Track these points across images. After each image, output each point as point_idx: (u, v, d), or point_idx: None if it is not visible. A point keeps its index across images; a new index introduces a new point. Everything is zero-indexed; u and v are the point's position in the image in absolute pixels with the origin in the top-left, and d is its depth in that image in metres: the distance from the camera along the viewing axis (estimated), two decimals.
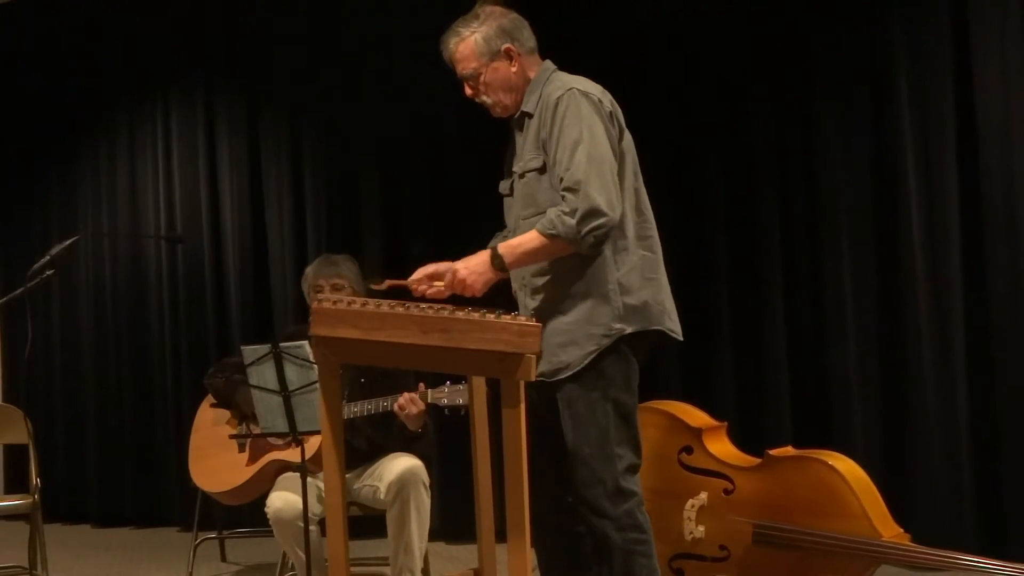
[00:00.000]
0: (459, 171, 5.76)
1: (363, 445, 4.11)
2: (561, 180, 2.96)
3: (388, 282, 3.18)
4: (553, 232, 2.93)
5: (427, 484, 3.93)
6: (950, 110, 4.76)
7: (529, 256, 3.00)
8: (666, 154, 5.27)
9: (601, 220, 2.91)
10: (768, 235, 5.26)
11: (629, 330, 3.01)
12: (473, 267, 3.00)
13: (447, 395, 3.83)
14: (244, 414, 4.26)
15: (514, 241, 3.02)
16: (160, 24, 6.66)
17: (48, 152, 7.17)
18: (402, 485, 3.87)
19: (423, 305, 2.80)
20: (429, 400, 3.87)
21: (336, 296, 2.93)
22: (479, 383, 3.25)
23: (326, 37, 6.23)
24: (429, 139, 5.91)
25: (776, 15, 5.24)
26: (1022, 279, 4.59)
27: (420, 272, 3.10)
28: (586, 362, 3.01)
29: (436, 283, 3.08)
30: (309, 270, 4.36)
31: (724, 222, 5.39)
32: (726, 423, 4.05)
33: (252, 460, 4.24)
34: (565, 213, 2.93)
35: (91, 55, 6.92)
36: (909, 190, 4.85)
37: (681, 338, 3.16)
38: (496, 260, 3.00)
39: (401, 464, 3.93)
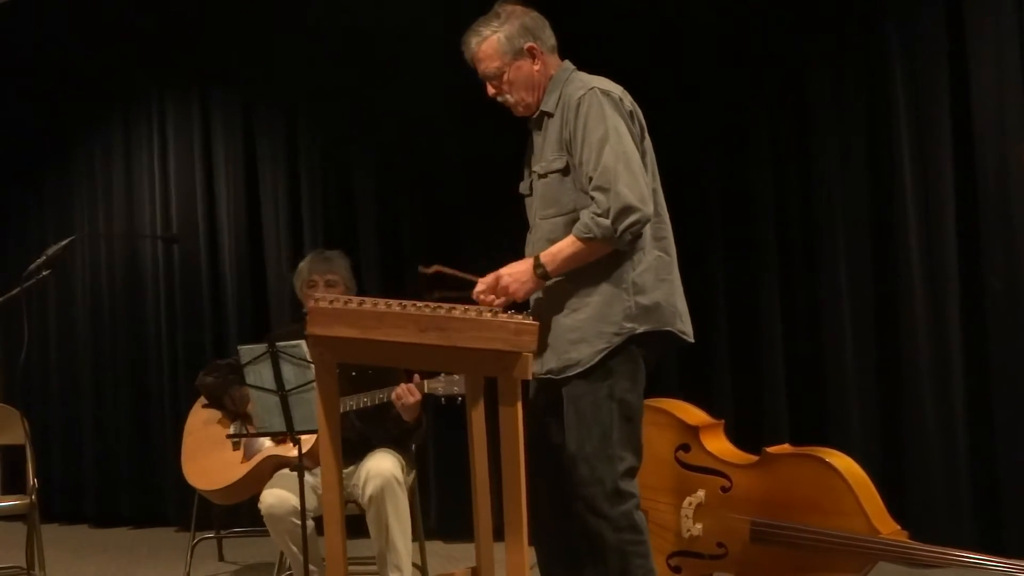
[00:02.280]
0: (455, 170, 5.76)
1: (355, 438, 4.11)
2: (590, 180, 2.97)
3: (436, 267, 3.21)
4: (589, 236, 2.95)
5: (401, 481, 3.94)
6: (945, 106, 4.77)
7: (569, 261, 3.00)
8: (662, 154, 5.26)
9: (635, 216, 2.93)
10: (764, 232, 5.26)
11: (640, 329, 3.02)
12: (517, 275, 3.02)
13: (443, 384, 3.85)
14: (236, 414, 4.27)
15: (554, 248, 3.02)
16: (155, 23, 6.65)
17: (44, 152, 7.15)
18: (376, 488, 3.88)
19: (420, 304, 2.80)
20: (425, 390, 3.89)
21: (333, 295, 2.92)
22: (476, 381, 3.25)
23: (322, 36, 6.22)
24: (425, 138, 5.90)
25: (771, 13, 5.24)
26: (1018, 275, 4.59)
27: (482, 283, 3.08)
28: (596, 360, 3.01)
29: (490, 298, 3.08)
30: (303, 265, 4.35)
31: (720, 220, 5.39)
32: (723, 421, 4.05)
33: (247, 457, 4.24)
34: (598, 215, 2.93)
35: (86, 54, 6.90)
36: (905, 188, 4.85)
37: (692, 340, 3.16)
38: (539, 269, 3.01)
39: (374, 466, 3.94)
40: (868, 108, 5.01)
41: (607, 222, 2.92)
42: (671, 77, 5.41)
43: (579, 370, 3.02)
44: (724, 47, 5.35)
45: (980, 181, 4.68)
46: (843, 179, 5.05)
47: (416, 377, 3.91)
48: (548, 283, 3.08)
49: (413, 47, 5.84)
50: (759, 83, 5.30)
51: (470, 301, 3.11)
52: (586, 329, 3.02)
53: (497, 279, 3.03)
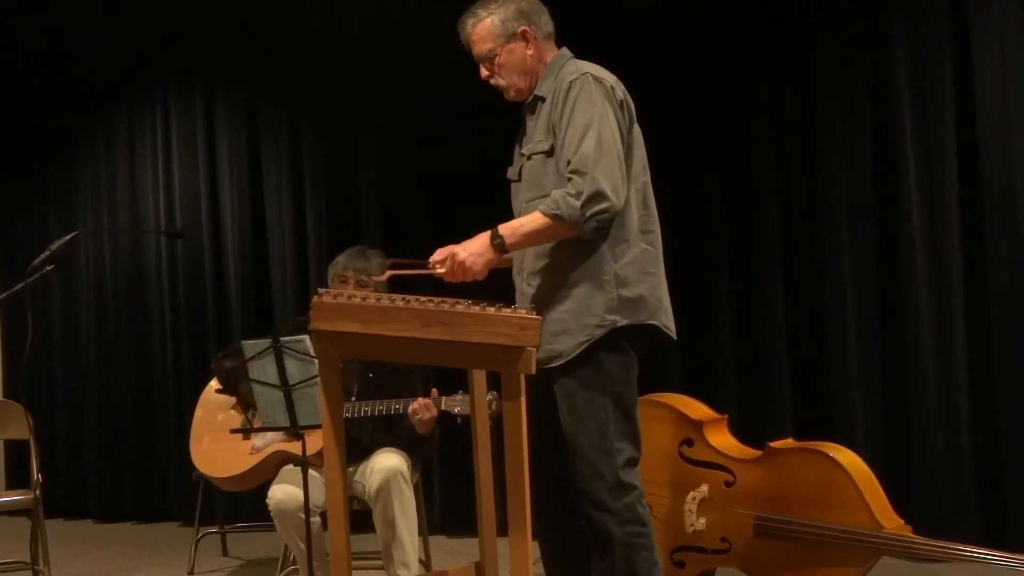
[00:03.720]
0: (458, 166, 5.76)
1: (366, 440, 4.12)
2: (568, 163, 2.95)
3: (389, 272, 3.22)
4: (557, 212, 2.92)
5: (407, 478, 3.95)
6: (950, 102, 4.76)
7: (530, 237, 2.98)
8: (666, 148, 5.26)
9: (604, 204, 2.91)
10: (768, 226, 5.26)
11: (622, 322, 3.00)
12: (472, 249, 2.98)
13: (460, 403, 3.84)
14: (249, 403, 4.25)
15: (515, 222, 3.00)
16: (159, 20, 6.66)
17: (48, 148, 7.16)
18: (383, 484, 3.88)
19: (423, 299, 2.79)
20: (442, 407, 3.88)
21: (337, 290, 2.92)
22: (479, 376, 3.25)
23: (325, 33, 6.22)
24: (428, 134, 5.91)
25: (776, 10, 5.24)
26: (1022, 270, 4.59)
27: (438, 254, 3.10)
28: (578, 352, 3.00)
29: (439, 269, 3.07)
30: (341, 258, 4.28)
31: (724, 213, 5.39)
32: (727, 415, 4.05)
33: (256, 449, 4.24)
34: (570, 195, 2.91)
35: (90, 51, 6.91)
36: (909, 182, 4.85)
37: (674, 336, 3.15)
38: (496, 240, 2.97)
39: (382, 463, 3.94)
40: (872, 104, 5.01)
41: (577, 204, 2.90)
42: (674, 71, 5.42)
43: (561, 362, 3.02)
44: (728, 41, 5.35)
45: (984, 176, 4.68)
46: (847, 174, 5.05)
47: (434, 392, 3.92)
48: (534, 279, 3.07)
49: (416, 44, 5.84)
50: (763, 79, 5.30)
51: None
52: (568, 321, 3.01)
53: (453, 256, 2.97)
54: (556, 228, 2.94)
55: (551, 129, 3.05)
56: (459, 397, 3.86)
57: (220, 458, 4.30)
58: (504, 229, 2.98)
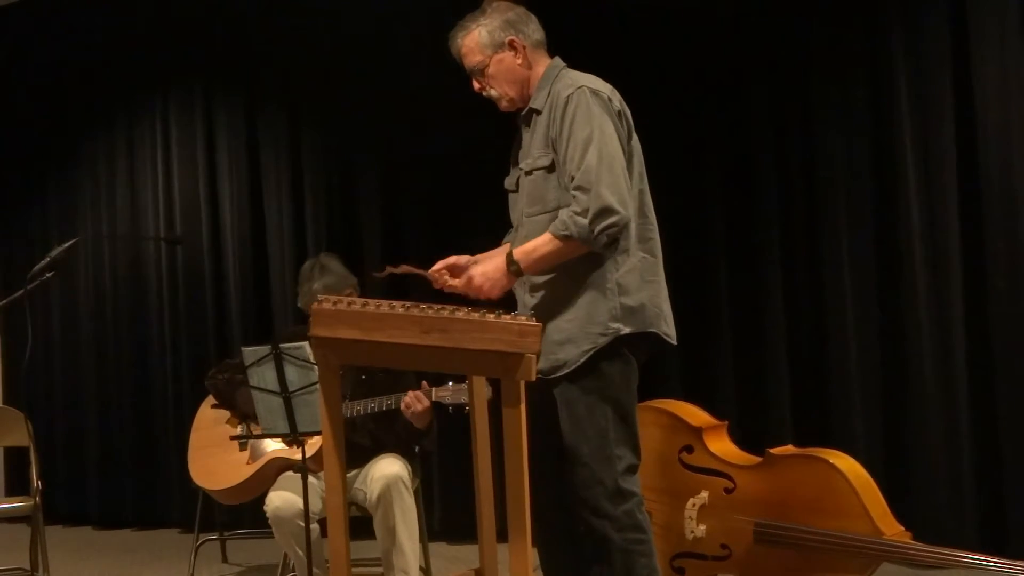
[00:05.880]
0: (458, 171, 5.77)
1: (366, 442, 4.12)
2: (572, 179, 2.97)
3: (389, 268, 3.21)
4: (567, 233, 2.94)
5: (408, 485, 3.95)
6: (949, 109, 4.76)
7: (544, 260, 3.00)
8: (665, 153, 5.26)
9: (613, 219, 2.92)
10: (768, 232, 5.25)
11: (626, 330, 3.01)
12: (489, 273, 3.02)
13: (451, 393, 3.85)
14: (245, 414, 4.26)
15: (528, 246, 3.01)
16: (159, 25, 6.67)
17: (47, 154, 7.17)
18: (384, 491, 3.89)
19: (423, 305, 2.80)
20: (433, 398, 3.89)
21: (336, 297, 2.92)
22: (479, 382, 3.26)
23: (325, 37, 6.23)
24: (428, 139, 5.91)
25: (774, 15, 5.24)
26: (1021, 276, 4.59)
27: (441, 264, 3.12)
28: (583, 360, 3.01)
29: (452, 281, 3.09)
30: (306, 286, 4.27)
31: (724, 219, 5.38)
32: (727, 422, 4.04)
33: (253, 458, 4.25)
34: (577, 213, 2.93)
35: (90, 56, 6.92)
36: (909, 188, 4.84)
37: (675, 343, 3.16)
38: (512, 266, 3.01)
39: (383, 470, 3.95)
40: (872, 110, 5.00)
41: (585, 222, 2.92)
42: (672, 78, 5.42)
43: (567, 371, 3.03)
44: (727, 48, 5.35)
45: (984, 182, 4.68)
46: (846, 182, 5.04)
47: (424, 384, 3.93)
48: (536, 290, 3.08)
49: (416, 47, 5.85)
50: (762, 87, 5.29)
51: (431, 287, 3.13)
52: (572, 330, 3.02)
53: (469, 280, 3.03)
54: (568, 248, 2.96)
55: (550, 144, 3.06)
56: (450, 387, 3.87)
57: (218, 470, 4.30)
58: (519, 255, 3.01)
